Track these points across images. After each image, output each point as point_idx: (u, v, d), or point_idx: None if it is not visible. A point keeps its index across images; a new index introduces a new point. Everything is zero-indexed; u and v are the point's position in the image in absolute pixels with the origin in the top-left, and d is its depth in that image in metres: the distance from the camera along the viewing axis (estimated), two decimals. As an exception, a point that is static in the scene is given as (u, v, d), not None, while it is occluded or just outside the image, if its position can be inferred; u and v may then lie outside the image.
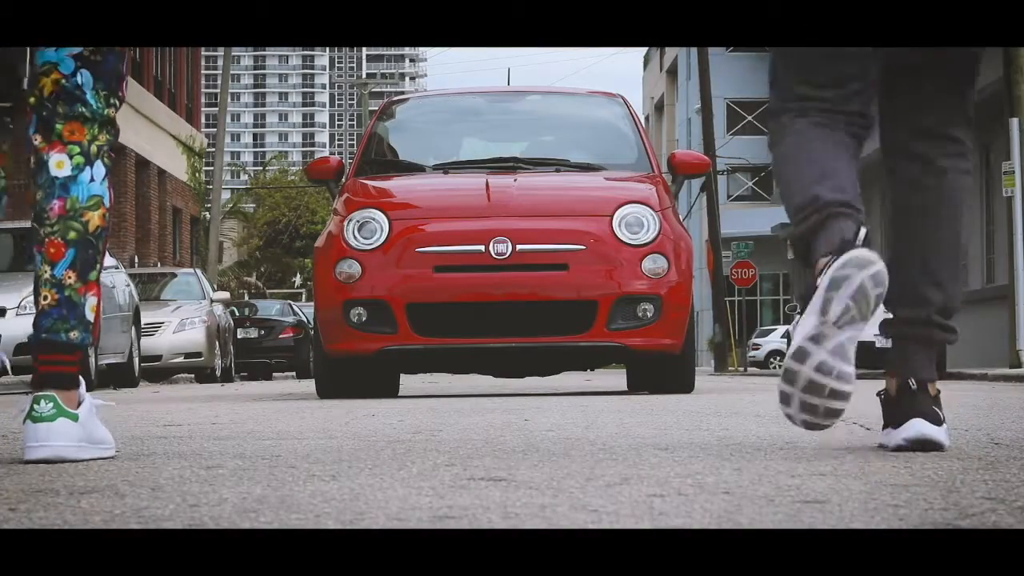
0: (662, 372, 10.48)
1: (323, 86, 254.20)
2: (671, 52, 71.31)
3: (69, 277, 3.64)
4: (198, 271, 27.59)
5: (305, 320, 33.13)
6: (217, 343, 24.69)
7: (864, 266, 3.45)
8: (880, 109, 3.91)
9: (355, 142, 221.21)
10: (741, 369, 40.57)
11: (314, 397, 10.42)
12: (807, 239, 3.62)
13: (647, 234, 10.03)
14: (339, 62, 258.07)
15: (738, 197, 60.36)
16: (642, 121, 12.06)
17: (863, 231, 3.56)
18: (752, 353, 46.34)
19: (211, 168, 44.11)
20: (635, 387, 11.17)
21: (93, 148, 3.72)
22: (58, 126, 3.72)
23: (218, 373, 24.71)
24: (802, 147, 3.75)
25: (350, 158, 15.13)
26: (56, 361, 3.62)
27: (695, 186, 38.89)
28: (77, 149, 3.70)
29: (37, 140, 3.72)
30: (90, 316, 3.66)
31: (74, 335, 3.64)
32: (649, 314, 9.96)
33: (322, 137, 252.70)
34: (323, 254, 10.17)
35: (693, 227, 53.39)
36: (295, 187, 75.22)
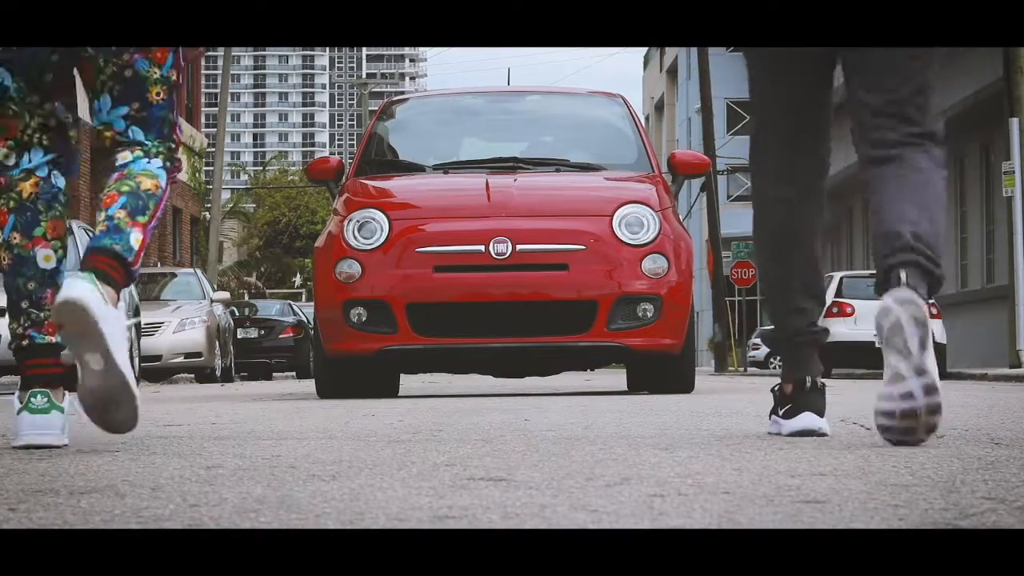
0: (662, 372, 10.47)
1: (323, 86, 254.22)
2: (671, 52, 71.31)
3: (119, 214, 4.05)
4: (198, 271, 27.58)
5: (305, 320, 33.12)
6: (217, 343, 24.69)
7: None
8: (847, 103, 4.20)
9: (355, 142, 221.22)
10: (741, 369, 40.57)
11: (314, 397, 10.41)
12: (780, 355, 4.45)
13: (647, 234, 10.02)
14: (339, 62, 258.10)
15: (738, 197, 60.36)
16: (642, 121, 12.05)
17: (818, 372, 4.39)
18: (752, 353, 46.34)
19: (211, 168, 44.08)
20: (635, 387, 11.16)
21: (152, 152, 4.23)
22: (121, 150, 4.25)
23: (218, 373, 24.71)
24: (779, 237, 4.37)
25: (350, 158, 15.13)
26: (106, 263, 4.00)
27: (695, 186, 38.88)
28: (140, 151, 4.22)
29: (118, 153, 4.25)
30: (135, 244, 4.03)
31: (118, 247, 4.00)
32: (649, 314, 9.96)
33: (322, 137, 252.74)
34: (323, 254, 10.16)
35: (693, 227, 53.40)
36: (295, 187, 75.23)
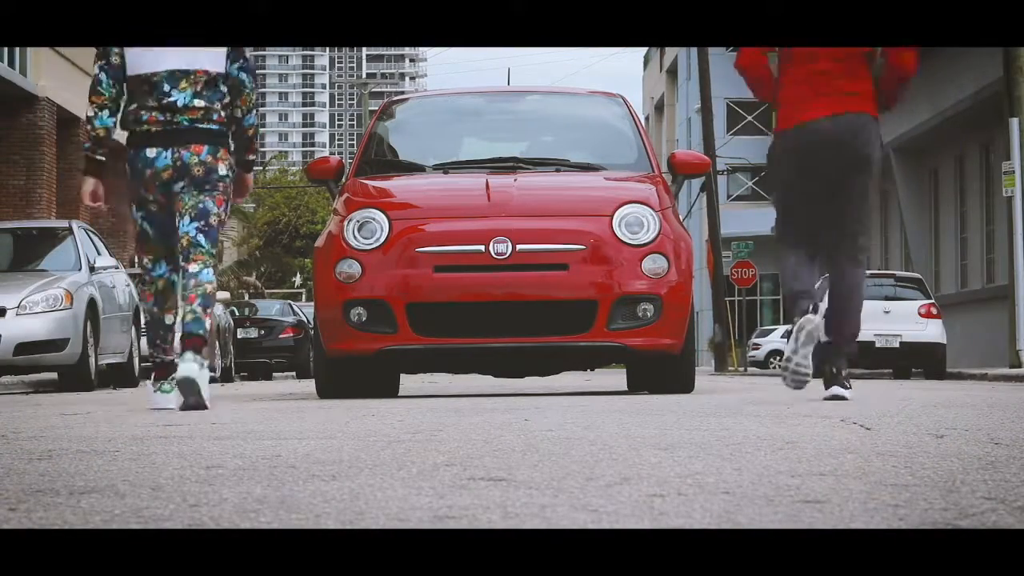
0: (662, 372, 10.47)
1: (323, 86, 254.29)
2: (671, 52, 71.33)
3: (199, 309, 7.79)
4: (198, 271, 27.53)
5: (305, 320, 33.12)
6: (217, 343, 24.67)
7: (806, 325, 7.93)
8: None
9: (355, 142, 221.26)
10: (741, 369, 40.58)
11: (314, 397, 10.42)
12: (790, 309, 8.13)
13: (647, 234, 10.01)
14: (339, 62, 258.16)
15: (738, 197, 60.38)
16: (642, 121, 12.05)
17: (812, 306, 7.97)
18: (752, 353, 46.34)
19: (211, 168, 43.79)
20: (635, 387, 11.16)
21: (209, 261, 7.89)
22: (192, 255, 7.89)
23: (218, 373, 24.71)
24: (792, 266, 8.18)
25: (350, 158, 15.15)
26: (199, 341, 7.71)
27: (695, 186, 38.89)
28: (202, 262, 7.88)
29: (183, 263, 7.94)
30: (207, 326, 7.84)
31: (202, 332, 7.75)
32: (649, 314, 9.95)
33: (322, 137, 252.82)
34: (323, 254, 10.16)
35: (693, 227, 53.38)
36: (295, 187, 75.23)
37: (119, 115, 7.92)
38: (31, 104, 28.47)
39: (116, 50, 7.65)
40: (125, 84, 7.83)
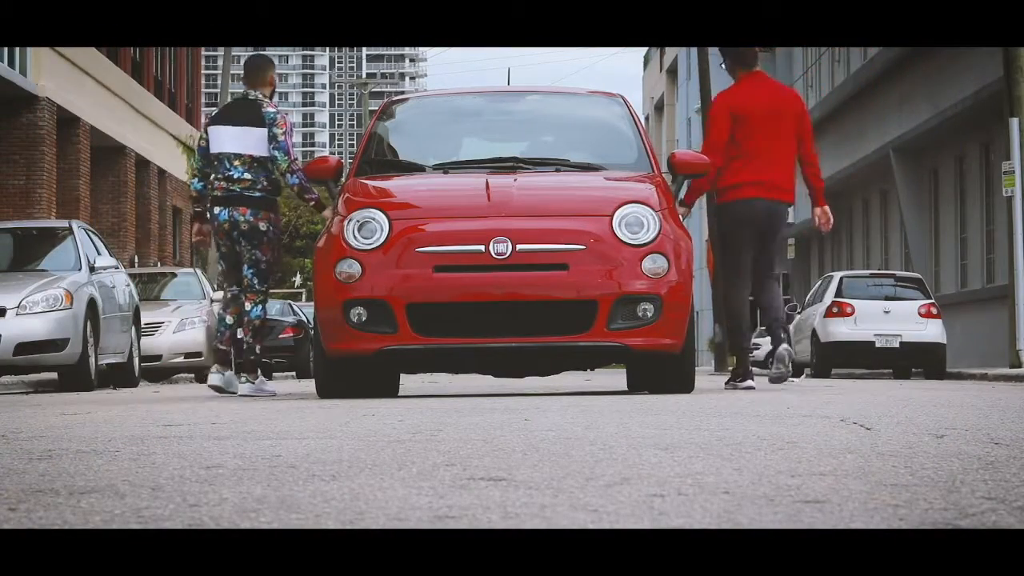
0: (662, 372, 10.47)
1: (323, 86, 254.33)
2: (671, 52, 71.31)
3: (249, 340, 11.33)
4: (198, 271, 27.59)
5: (305, 320, 33.13)
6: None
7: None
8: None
9: (355, 142, 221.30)
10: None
11: (314, 397, 10.42)
12: (734, 342, 12.48)
13: (647, 234, 10.01)
14: (339, 62, 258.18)
15: (738, 197, 60.24)
16: (642, 121, 12.04)
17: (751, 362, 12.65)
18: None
19: (211, 168, 43.75)
20: (635, 387, 11.16)
21: (258, 299, 11.30)
22: (248, 294, 11.35)
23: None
24: (735, 307, 12.39)
25: (350, 158, 15.13)
26: (248, 361, 11.40)
27: (695, 186, 38.81)
28: (255, 300, 11.32)
29: (243, 298, 11.45)
30: (255, 348, 11.44)
31: (246, 350, 11.50)
32: (649, 314, 9.94)
33: (322, 137, 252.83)
34: (323, 254, 10.16)
35: (693, 227, 53.37)
36: (295, 187, 75.22)
37: (205, 181, 11.35)
38: (31, 104, 28.48)
39: (203, 135, 11.34)
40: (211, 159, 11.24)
